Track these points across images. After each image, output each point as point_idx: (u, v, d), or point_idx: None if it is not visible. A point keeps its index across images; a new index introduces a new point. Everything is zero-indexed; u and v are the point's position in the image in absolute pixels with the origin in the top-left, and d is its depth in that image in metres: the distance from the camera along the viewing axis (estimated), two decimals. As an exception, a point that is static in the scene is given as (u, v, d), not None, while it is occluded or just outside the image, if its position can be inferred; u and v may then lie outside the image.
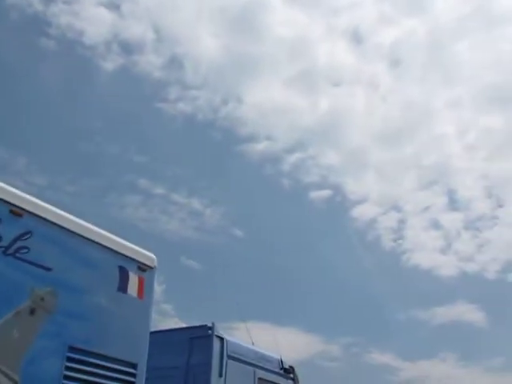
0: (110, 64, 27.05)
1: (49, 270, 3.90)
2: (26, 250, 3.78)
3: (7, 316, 3.61)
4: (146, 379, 4.54)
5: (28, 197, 3.98)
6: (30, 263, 3.80)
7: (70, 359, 3.93)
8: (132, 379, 4.39)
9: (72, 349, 3.96)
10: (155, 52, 26.46)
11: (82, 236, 4.25)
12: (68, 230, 4.15)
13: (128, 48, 25.89)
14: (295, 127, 31.41)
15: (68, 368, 3.90)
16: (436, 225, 34.62)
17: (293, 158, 30.51)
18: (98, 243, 4.36)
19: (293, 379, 7.09)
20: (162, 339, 5.97)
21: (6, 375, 3.53)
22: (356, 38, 32.07)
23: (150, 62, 28.19)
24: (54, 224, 4.05)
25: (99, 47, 23.51)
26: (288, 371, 7.05)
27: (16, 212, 3.81)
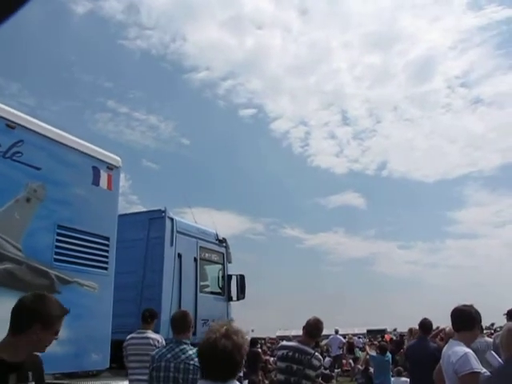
0: (81, 8, 29.82)
1: (38, 169, 4.85)
2: (20, 154, 4.66)
3: (10, 203, 4.58)
4: (118, 248, 5.79)
5: (20, 113, 4.82)
6: (24, 164, 4.70)
7: (59, 234, 5.02)
8: (106, 248, 5.63)
9: (60, 226, 5.05)
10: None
11: (62, 143, 5.19)
12: (52, 139, 5.08)
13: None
14: (228, 60, 36.58)
15: (58, 240, 5.01)
16: (332, 136, 42.69)
17: (226, 84, 36.01)
18: (75, 149, 5.34)
19: (225, 247, 8.84)
20: (128, 220, 7.30)
21: (13, 245, 4.58)
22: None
23: (113, 7, 31.47)
24: (41, 134, 4.96)
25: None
26: (222, 241, 8.76)
27: (10, 125, 4.64)
